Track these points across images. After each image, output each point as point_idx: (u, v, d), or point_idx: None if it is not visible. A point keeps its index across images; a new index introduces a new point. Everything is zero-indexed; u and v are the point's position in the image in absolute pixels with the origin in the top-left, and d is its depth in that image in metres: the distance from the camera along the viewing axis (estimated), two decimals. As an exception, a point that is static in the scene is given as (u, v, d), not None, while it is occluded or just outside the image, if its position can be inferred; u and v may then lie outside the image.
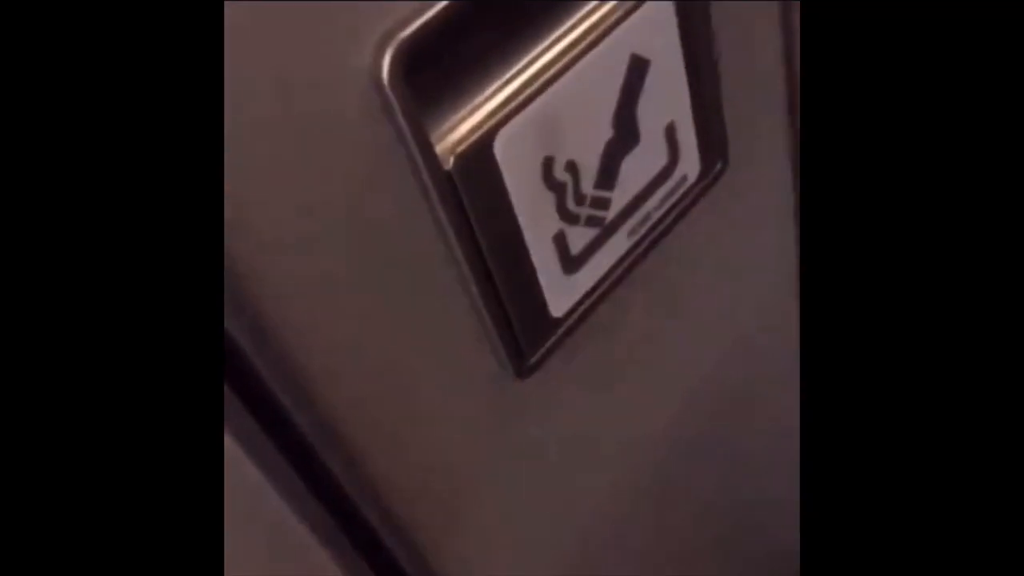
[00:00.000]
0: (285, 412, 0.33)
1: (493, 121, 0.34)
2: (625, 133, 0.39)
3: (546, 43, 0.35)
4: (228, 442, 0.31)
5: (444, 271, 0.36)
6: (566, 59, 0.35)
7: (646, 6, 0.37)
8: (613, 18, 0.36)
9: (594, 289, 0.41)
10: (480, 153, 0.34)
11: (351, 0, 0.29)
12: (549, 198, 0.37)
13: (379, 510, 0.39)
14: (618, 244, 0.41)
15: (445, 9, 0.31)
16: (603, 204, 0.39)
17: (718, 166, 0.44)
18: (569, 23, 0.36)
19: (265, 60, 0.28)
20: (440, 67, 0.33)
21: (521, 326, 0.39)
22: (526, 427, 0.45)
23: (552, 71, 0.35)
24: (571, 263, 0.39)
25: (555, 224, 0.38)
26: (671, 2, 0.38)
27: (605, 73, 0.37)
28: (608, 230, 0.40)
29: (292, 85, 0.29)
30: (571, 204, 0.38)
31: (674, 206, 0.43)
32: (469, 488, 0.44)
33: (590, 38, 0.36)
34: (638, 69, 0.38)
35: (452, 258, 0.36)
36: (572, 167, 0.37)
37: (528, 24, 0.35)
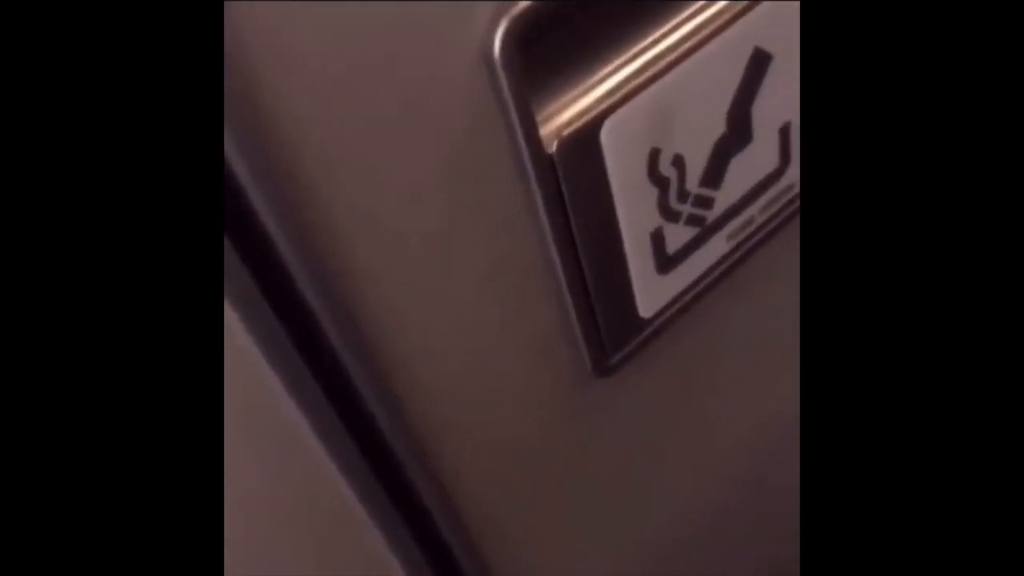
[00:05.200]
0: (356, 387, 0.32)
1: (602, 107, 0.32)
2: (738, 130, 0.36)
3: (664, 28, 0.33)
4: (301, 419, 0.31)
5: (534, 257, 0.34)
6: (684, 47, 0.33)
7: (775, -3, 0.35)
8: (738, 7, 0.34)
9: (685, 292, 0.39)
10: (585, 140, 0.32)
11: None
12: (651, 192, 0.35)
13: (440, 493, 0.38)
14: (716, 247, 0.39)
15: (564, -16, 0.29)
16: (706, 203, 0.37)
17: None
18: (691, 9, 0.34)
19: (374, 29, 0.27)
20: (551, 47, 0.31)
21: (607, 322, 0.37)
22: (597, 428, 0.43)
23: (669, 59, 0.33)
24: (666, 262, 0.37)
25: (654, 220, 0.36)
26: (801, -4, 0.36)
27: (724, 65, 0.35)
28: (708, 231, 0.38)
29: (401, 54, 0.27)
30: (673, 201, 0.36)
31: (778, 213, 0.41)
32: (528, 480, 0.42)
33: (712, 27, 0.34)
34: (759, 63, 0.36)
35: (543, 245, 0.34)
36: (679, 162, 0.35)
37: (647, 7, 0.33)
